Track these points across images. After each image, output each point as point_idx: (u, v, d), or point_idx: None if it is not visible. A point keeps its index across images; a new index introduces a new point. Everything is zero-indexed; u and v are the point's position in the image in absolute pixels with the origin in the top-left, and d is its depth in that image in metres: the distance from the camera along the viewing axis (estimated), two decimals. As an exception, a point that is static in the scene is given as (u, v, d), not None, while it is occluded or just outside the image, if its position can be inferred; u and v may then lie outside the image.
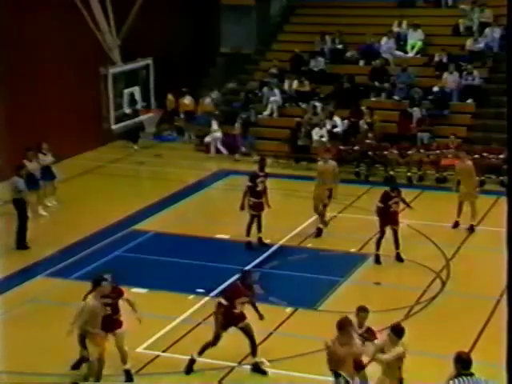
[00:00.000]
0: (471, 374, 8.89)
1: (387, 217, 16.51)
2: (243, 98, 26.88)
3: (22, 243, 17.67)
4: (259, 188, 17.18)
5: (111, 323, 11.99)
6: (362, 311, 11.23)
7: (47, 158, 20.11)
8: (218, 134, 25.78)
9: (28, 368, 12.48)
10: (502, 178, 20.98)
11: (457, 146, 22.63)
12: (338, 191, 18.63)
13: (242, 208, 17.21)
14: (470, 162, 18.60)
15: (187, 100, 27.79)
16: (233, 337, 13.34)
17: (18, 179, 17.85)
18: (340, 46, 27.73)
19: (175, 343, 13.20)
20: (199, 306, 14.57)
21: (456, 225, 18.33)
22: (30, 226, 17.93)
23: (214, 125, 25.78)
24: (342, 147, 23.50)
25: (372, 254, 16.89)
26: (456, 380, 9.02)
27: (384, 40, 27.04)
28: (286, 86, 26.75)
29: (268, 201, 17.32)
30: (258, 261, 16.61)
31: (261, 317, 12.53)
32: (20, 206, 17.78)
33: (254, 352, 12.42)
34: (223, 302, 12.21)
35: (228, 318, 12.14)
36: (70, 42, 24.14)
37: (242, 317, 12.30)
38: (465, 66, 25.23)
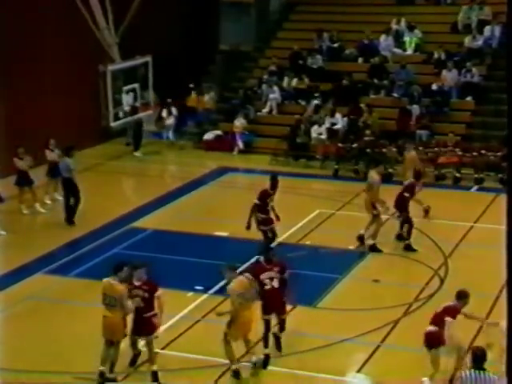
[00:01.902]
0: (483, 370, 9.07)
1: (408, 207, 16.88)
2: (242, 95, 26.86)
3: (72, 217, 18.93)
4: (268, 207, 16.45)
5: (143, 324, 11.78)
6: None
7: (54, 155, 20.12)
8: (170, 122, 26.02)
9: (26, 366, 12.44)
10: (500, 175, 20.97)
11: (455, 144, 22.64)
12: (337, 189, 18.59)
13: (248, 227, 16.20)
14: (413, 153, 19.55)
15: (206, 97, 27.77)
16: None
17: (68, 159, 19.00)
18: (337, 44, 27.69)
19: (174, 341, 13.17)
20: (198, 303, 14.54)
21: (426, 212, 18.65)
22: (29, 223, 17.91)
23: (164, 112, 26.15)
24: (340, 145, 23.49)
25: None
26: (466, 372, 9.25)
27: (383, 37, 27.03)
28: (285, 83, 26.74)
29: (276, 213, 16.56)
30: (256, 258, 16.57)
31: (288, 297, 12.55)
32: (70, 184, 18.94)
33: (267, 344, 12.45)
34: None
35: (261, 295, 12.03)
36: (69, 39, 24.09)
37: (278, 294, 12.20)
38: (464, 63, 25.24)
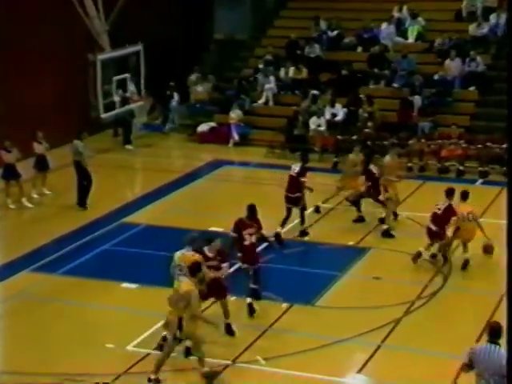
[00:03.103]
0: (496, 344, 9.13)
1: None
2: (237, 85, 26.75)
3: (83, 202, 19.52)
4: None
5: (218, 288, 12.88)
6: None
7: (42, 147, 20.09)
8: (174, 104, 26.34)
9: (11, 368, 12.36)
10: (505, 168, 20.89)
11: (459, 136, 22.56)
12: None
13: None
14: (396, 159, 18.61)
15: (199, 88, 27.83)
16: (227, 336, 13.27)
17: (78, 142, 19.48)
18: (336, 32, 27.58)
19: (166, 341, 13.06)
20: (191, 301, 14.45)
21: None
22: (16, 218, 17.82)
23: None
24: (339, 137, 23.40)
25: (372, 247, 16.89)
26: (479, 345, 9.46)
27: (384, 25, 26.91)
28: (282, 73, 26.64)
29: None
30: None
31: (271, 243, 15.19)
32: (80, 166, 19.54)
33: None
34: (232, 234, 14.00)
35: (241, 250, 13.81)
36: (57, 27, 23.91)
37: (254, 248, 14.04)
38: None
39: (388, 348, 12.91)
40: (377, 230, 17.77)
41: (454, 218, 15.54)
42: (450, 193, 15.86)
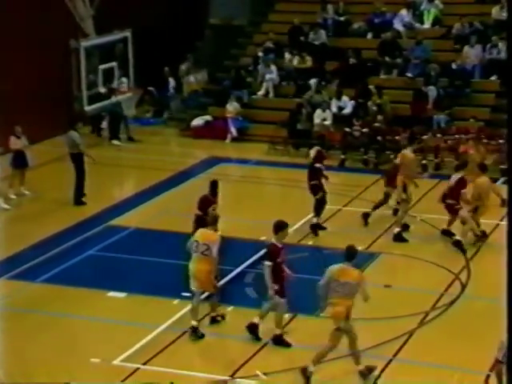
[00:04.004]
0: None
1: None
2: (234, 75, 26.79)
3: (79, 198, 19.74)
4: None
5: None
6: None
7: (20, 142, 20.17)
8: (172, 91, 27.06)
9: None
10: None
11: (478, 130, 22.59)
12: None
13: None
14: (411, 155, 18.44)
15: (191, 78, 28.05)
16: (225, 349, 13.32)
17: (73, 133, 19.78)
18: (344, 18, 27.65)
19: (157, 354, 13.13)
20: (185, 312, 14.50)
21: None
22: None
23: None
24: (347, 129, 23.43)
25: (383, 252, 16.92)
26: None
27: (403, 11, 26.85)
28: (284, 62, 26.68)
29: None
30: (251, 260, 16.55)
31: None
32: (77, 159, 19.75)
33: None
34: (199, 212, 15.09)
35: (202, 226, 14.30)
36: (36, 10, 23.95)
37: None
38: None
39: (400, 362, 12.94)
40: (388, 234, 17.81)
41: (463, 191, 16.98)
42: (461, 166, 17.69)
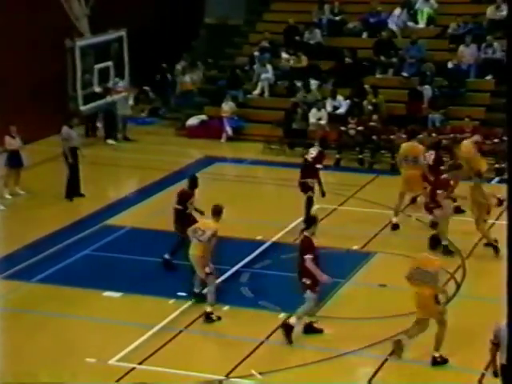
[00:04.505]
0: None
1: None
2: (230, 74, 26.80)
3: (73, 193, 20.03)
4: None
5: None
6: None
7: (15, 142, 20.16)
8: None
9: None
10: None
11: (473, 130, 22.62)
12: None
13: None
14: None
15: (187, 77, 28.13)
16: (220, 349, 13.32)
17: (68, 129, 19.98)
18: (339, 17, 27.65)
19: (153, 354, 13.13)
20: (181, 311, 14.52)
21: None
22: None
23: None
24: (342, 128, 23.45)
25: (378, 251, 16.95)
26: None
27: (397, 10, 26.87)
28: (279, 61, 26.68)
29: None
30: (247, 260, 16.57)
31: None
32: (72, 155, 19.89)
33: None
34: (178, 206, 15.71)
35: (186, 220, 15.20)
36: (31, 9, 23.93)
37: (194, 219, 15.40)
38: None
39: (396, 361, 12.95)
40: (383, 234, 17.83)
41: (439, 192, 16.63)
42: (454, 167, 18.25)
